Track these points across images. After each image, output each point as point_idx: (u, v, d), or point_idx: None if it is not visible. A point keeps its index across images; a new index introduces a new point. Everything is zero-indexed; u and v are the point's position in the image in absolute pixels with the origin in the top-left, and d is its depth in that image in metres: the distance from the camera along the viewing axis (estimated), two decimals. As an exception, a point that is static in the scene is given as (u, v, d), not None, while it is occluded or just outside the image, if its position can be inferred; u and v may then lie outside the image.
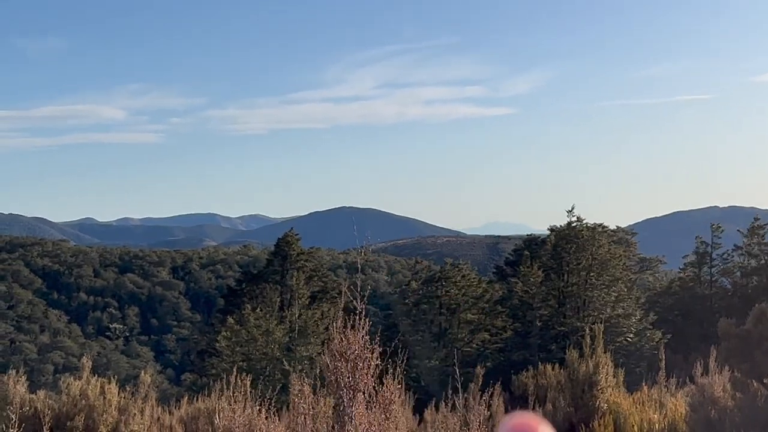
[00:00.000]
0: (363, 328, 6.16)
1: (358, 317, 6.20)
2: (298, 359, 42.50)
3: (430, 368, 45.59)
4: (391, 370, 6.35)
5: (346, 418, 5.90)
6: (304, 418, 6.31)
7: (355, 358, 5.96)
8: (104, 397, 15.38)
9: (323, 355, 6.30)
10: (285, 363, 42.31)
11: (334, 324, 6.21)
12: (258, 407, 8.22)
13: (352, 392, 5.90)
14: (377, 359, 6.22)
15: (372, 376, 6.00)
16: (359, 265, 7.38)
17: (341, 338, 6.05)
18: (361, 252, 7.58)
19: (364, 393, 5.92)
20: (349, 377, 5.90)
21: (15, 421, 12.48)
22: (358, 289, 6.25)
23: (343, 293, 6.21)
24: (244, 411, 7.60)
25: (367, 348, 6.09)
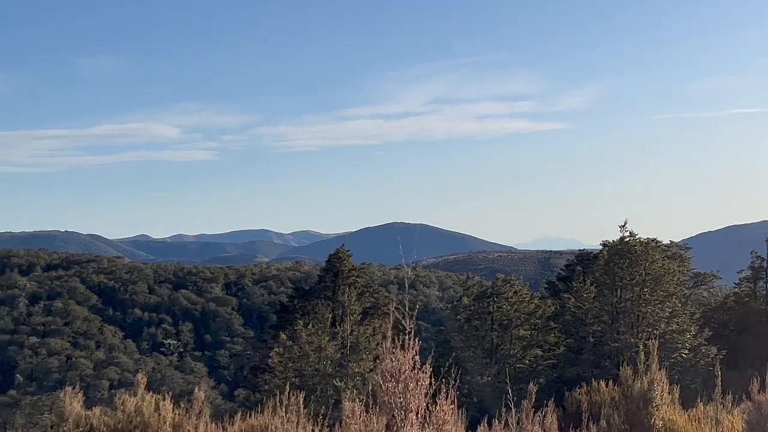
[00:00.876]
0: (413, 348, 6.15)
1: (407, 337, 6.19)
2: (350, 376, 42.51)
3: (482, 384, 45.37)
4: (444, 389, 6.34)
5: (400, 438, 5.90)
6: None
7: (406, 378, 5.96)
8: (159, 414, 15.48)
9: (375, 373, 6.30)
10: (337, 380, 42.41)
11: (384, 344, 6.21)
12: (311, 425, 8.23)
13: (404, 413, 5.90)
14: (428, 379, 6.21)
15: (424, 396, 6.00)
16: (406, 283, 7.37)
17: (391, 359, 6.05)
18: (408, 269, 7.54)
19: (416, 413, 5.91)
20: (400, 398, 5.90)
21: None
22: (407, 308, 6.24)
23: (392, 312, 6.21)
24: (297, 429, 7.61)
25: (417, 368, 6.08)
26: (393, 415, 5.93)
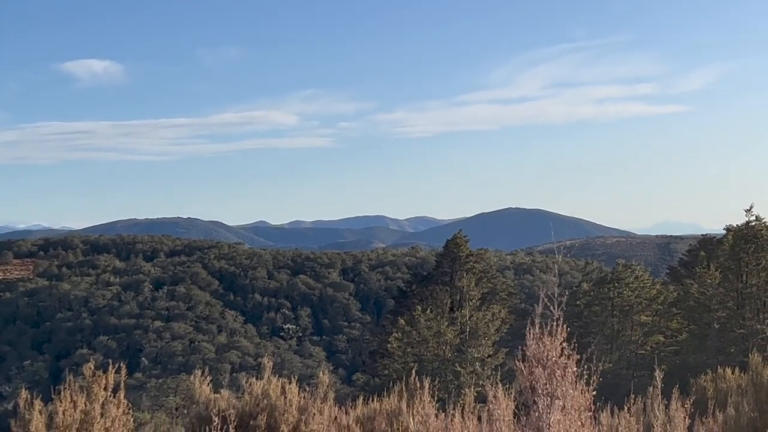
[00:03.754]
0: (561, 334, 6.12)
1: (555, 324, 6.16)
2: (470, 360, 42.55)
3: (603, 371, 44.86)
4: (584, 375, 6.31)
5: (543, 425, 5.89)
6: (500, 424, 6.32)
7: (552, 364, 5.94)
8: (285, 397, 15.73)
9: (516, 359, 6.30)
10: (456, 364, 42.47)
11: (531, 330, 6.19)
12: (452, 412, 8.27)
13: (549, 399, 5.89)
14: (575, 366, 6.18)
15: (570, 383, 5.98)
16: (557, 269, 7.34)
17: (538, 344, 6.04)
18: (560, 257, 7.50)
19: (561, 400, 5.89)
20: (546, 384, 5.89)
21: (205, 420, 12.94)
22: (556, 295, 6.20)
23: (541, 299, 6.17)
24: (438, 415, 7.66)
25: (565, 354, 6.06)
26: (535, 401, 5.93)
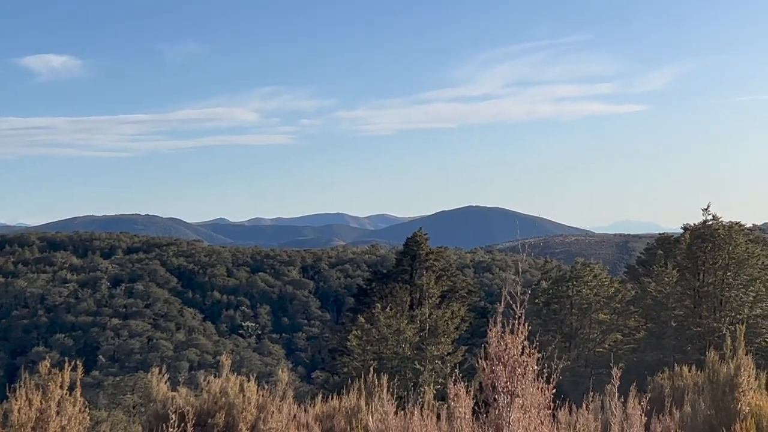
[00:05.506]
0: (522, 333, 6.13)
1: (516, 321, 6.15)
2: (429, 359, 42.60)
3: (561, 369, 45.07)
4: (543, 372, 6.32)
5: (503, 423, 5.89)
6: (460, 422, 6.31)
7: (513, 362, 5.95)
8: (243, 395, 15.67)
9: (478, 357, 6.29)
10: (416, 362, 42.50)
11: (494, 328, 6.18)
12: (412, 409, 8.25)
13: (509, 397, 5.89)
14: (535, 364, 6.19)
15: (530, 381, 5.98)
16: (520, 267, 7.32)
17: (499, 342, 6.04)
18: (524, 255, 7.52)
19: (521, 397, 5.89)
20: (506, 381, 5.89)
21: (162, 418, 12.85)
22: (518, 294, 6.20)
23: (503, 297, 6.16)
24: (397, 413, 7.63)
25: (526, 352, 6.06)
26: (495, 399, 5.92)
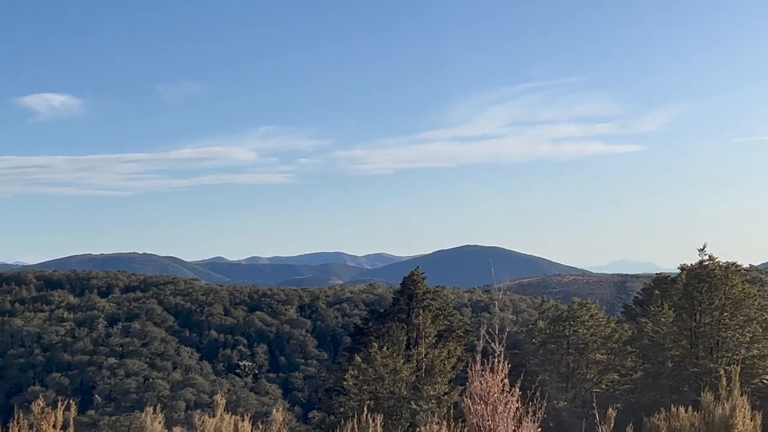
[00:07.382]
0: (502, 371, 6.19)
1: (496, 360, 6.22)
2: (426, 398, 42.46)
3: (559, 409, 44.93)
4: (529, 412, 6.36)
5: (488, 461, 5.93)
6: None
7: (494, 401, 6.00)
8: (238, 435, 15.66)
9: (464, 396, 6.33)
10: (412, 402, 42.35)
11: (473, 366, 6.25)
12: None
13: (492, 435, 5.93)
14: (517, 402, 6.25)
15: (512, 419, 6.03)
16: (497, 307, 7.41)
17: (480, 381, 6.10)
18: (501, 294, 7.60)
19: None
20: (489, 420, 5.94)
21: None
22: (496, 332, 6.28)
23: (482, 336, 6.25)
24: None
25: (507, 391, 6.12)
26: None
